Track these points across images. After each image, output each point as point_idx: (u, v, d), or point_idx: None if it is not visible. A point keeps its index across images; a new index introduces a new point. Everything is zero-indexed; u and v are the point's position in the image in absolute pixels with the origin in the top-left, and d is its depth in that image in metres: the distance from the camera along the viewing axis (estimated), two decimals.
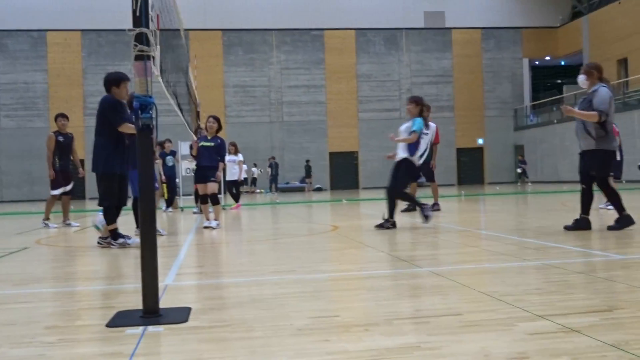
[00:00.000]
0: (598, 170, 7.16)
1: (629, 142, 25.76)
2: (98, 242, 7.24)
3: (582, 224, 7.16)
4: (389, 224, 8.38)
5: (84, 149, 27.59)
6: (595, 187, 7.19)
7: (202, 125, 11.09)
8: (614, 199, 7.16)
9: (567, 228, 7.16)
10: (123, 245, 7.05)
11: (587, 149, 7.18)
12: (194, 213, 14.27)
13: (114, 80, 7.09)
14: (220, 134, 10.11)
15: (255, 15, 37.26)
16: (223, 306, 3.62)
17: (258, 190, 34.93)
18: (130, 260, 6.01)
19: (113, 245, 7.10)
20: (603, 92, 7.01)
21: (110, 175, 7.04)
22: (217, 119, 10.13)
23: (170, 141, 16.13)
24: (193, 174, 14.84)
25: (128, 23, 3.47)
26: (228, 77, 37.26)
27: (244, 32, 37.33)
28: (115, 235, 7.12)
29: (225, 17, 37.01)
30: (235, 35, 37.32)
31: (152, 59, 3.48)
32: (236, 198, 16.17)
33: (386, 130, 38.33)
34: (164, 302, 3.59)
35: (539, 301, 3.42)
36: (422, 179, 12.15)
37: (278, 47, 37.72)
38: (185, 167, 16.26)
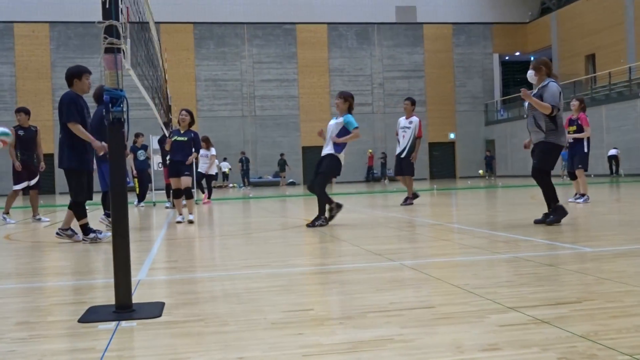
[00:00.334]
0: (539, 160, 7.20)
1: (597, 136, 26.20)
2: (57, 234, 7.21)
3: (559, 213, 7.23)
4: (320, 220, 8.21)
5: (53, 142, 27.18)
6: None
7: (174, 120, 11.02)
8: (549, 190, 7.16)
9: (536, 222, 7.23)
10: (94, 240, 7.00)
11: (536, 142, 7.29)
12: (167, 208, 14.17)
13: (76, 73, 7.03)
14: (192, 128, 10.03)
15: (226, 9, 37.03)
16: (196, 301, 3.61)
17: (231, 185, 34.80)
18: (102, 256, 5.96)
19: (84, 240, 7.04)
20: (553, 87, 7.13)
21: (79, 170, 6.98)
22: (189, 112, 10.05)
23: (142, 135, 15.97)
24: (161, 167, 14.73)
25: (97, 15, 3.42)
26: (200, 70, 36.99)
27: (215, 25, 37.08)
28: (86, 230, 7.06)
29: (196, 9, 36.70)
30: (207, 28, 37.05)
31: (122, 52, 3.44)
32: (208, 193, 16.10)
33: (359, 124, 38.67)
34: (137, 297, 3.57)
35: (509, 293, 3.47)
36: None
37: (250, 40, 37.54)
38: (157, 161, 16.12)
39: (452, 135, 39.46)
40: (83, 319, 3.17)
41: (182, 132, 9.81)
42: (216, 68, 37.21)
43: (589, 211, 9.40)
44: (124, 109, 3.43)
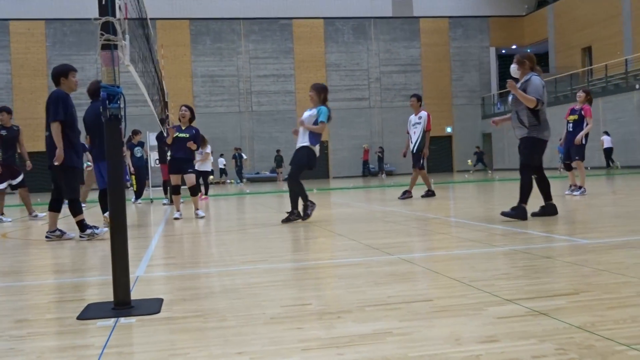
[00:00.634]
0: (524, 155, 7.18)
1: (593, 129, 26.17)
2: (46, 237, 7.20)
3: (548, 210, 7.28)
4: (294, 215, 8.17)
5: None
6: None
7: (171, 116, 10.99)
8: (525, 189, 7.09)
9: (533, 215, 7.26)
10: (92, 236, 6.99)
11: (520, 137, 7.26)
12: (164, 204, 14.16)
13: (62, 72, 7.05)
14: (192, 124, 10.01)
15: (222, 4, 36.96)
16: (195, 297, 3.61)
17: (229, 181, 34.81)
18: (100, 253, 5.96)
19: (82, 237, 7.05)
20: (536, 81, 7.07)
21: (71, 166, 6.99)
22: (189, 108, 10.05)
23: (139, 132, 15.95)
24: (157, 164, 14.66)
25: (94, 12, 3.41)
26: (196, 66, 36.94)
27: (211, 21, 37.01)
28: (82, 226, 7.06)
29: (192, 5, 36.63)
30: (203, 24, 36.98)
31: (121, 49, 3.44)
32: (205, 189, 16.09)
33: (356, 119, 38.71)
34: (136, 294, 3.57)
35: (507, 286, 3.48)
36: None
37: (246, 36, 37.49)
38: (154, 158, 16.11)
39: (449, 129, 39.47)
40: (82, 316, 3.17)
41: (183, 128, 9.79)
42: (212, 64, 37.15)
43: (585, 203, 9.42)
44: (121, 106, 3.43)
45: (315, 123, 8.25)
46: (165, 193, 14.79)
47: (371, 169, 37.84)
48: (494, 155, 38.84)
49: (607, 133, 27.79)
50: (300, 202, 8.27)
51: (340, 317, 2.94)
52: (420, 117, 12.55)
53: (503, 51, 41.19)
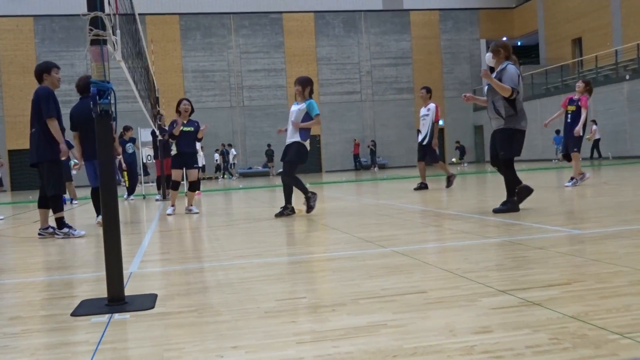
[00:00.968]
0: (504, 150, 7.04)
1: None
2: (39, 234, 7.17)
3: (522, 194, 7.14)
4: (288, 210, 8.22)
5: None
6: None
7: (162, 112, 10.95)
8: (511, 183, 7.06)
9: (494, 210, 7.07)
10: (67, 235, 6.96)
11: (496, 129, 7.14)
12: (157, 200, 14.13)
13: (45, 69, 7.05)
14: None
15: None
16: (189, 292, 3.61)
17: (222, 177, 34.78)
18: (93, 249, 5.94)
19: (57, 234, 7.02)
20: (512, 70, 6.96)
21: (56, 162, 6.96)
22: (190, 102, 10.05)
23: (131, 128, 15.89)
24: (151, 160, 14.59)
25: (82, 7, 3.39)
26: (187, 62, 36.81)
27: (201, 16, 36.87)
28: (60, 224, 7.04)
29: (181, 0, 36.46)
30: (193, 19, 36.84)
31: (112, 44, 3.42)
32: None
33: (347, 113, 38.68)
34: (129, 290, 3.57)
35: (500, 277, 3.49)
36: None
37: (236, 30, 37.37)
38: (146, 154, 16.06)
39: (441, 122, 39.50)
40: (76, 313, 3.17)
41: (185, 122, 9.74)
42: (203, 59, 37.03)
43: (578, 194, 9.45)
44: (112, 101, 3.42)
45: (308, 117, 8.24)
46: (159, 189, 14.74)
47: (363, 162, 37.86)
48: (485, 147, 38.92)
49: (595, 122, 27.88)
50: (302, 201, 8.31)
51: (334, 310, 2.94)
52: (428, 109, 12.75)
53: None
